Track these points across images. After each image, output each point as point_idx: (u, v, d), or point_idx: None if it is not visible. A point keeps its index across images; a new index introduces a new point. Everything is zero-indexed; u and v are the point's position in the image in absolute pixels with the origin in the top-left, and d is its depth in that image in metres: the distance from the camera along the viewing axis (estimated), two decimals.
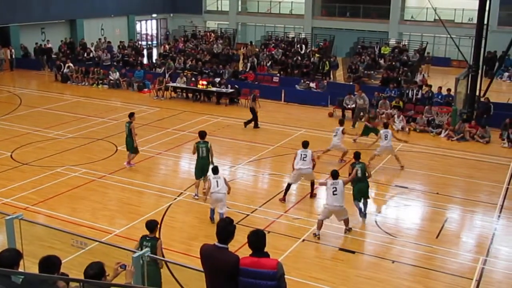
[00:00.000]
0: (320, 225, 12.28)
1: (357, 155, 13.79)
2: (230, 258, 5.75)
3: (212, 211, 12.88)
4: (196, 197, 14.38)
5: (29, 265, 7.16)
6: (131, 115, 16.48)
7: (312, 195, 14.69)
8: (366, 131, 19.36)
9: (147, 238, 8.87)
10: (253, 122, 21.64)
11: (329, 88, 26.98)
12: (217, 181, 12.60)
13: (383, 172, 16.84)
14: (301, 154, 14.27)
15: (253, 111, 21.69)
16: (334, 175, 12.35)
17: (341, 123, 17.85)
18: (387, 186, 15.86)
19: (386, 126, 17.52)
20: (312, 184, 14.64)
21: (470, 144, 20.25)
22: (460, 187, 15.90)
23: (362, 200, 13.35)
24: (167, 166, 17.26)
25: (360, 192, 13.30)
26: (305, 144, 14.52)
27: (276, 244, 11.68)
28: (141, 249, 8.32)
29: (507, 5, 35.53)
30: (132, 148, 16.36)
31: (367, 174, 13.50)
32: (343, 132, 17.31)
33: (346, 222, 12.49)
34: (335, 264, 11.23)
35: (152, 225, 8.95)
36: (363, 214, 13.33)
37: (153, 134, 19.95)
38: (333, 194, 12.07)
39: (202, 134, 14.56)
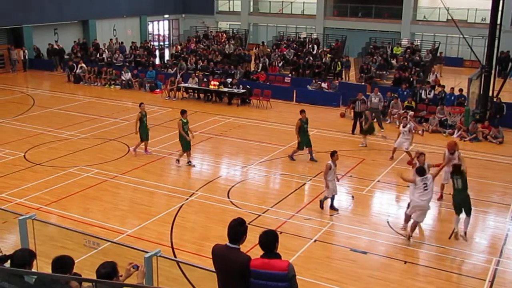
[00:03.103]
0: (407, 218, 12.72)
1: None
2: (242, 259, 5.74)
3: None
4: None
5: (42, 265, 7.21)
6: None
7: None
8: None
9: (456, 174, 11.52)
10: (359, 126, 20.53)
11: (340, 89, 26.93)
12: None
13: (395, 173, 16.72)
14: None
15: (360, 115, 20.87)
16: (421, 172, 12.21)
17: None
18: (399, 186, 15.74)
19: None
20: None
21: (483, 144, 20.11)
22: (472, 188, 15.63)
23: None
24: (178, 166, 17.29)
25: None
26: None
27: (287, 245, 11.67)
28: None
29: None
30: None
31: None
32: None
33: (413, 227, 12.28)
34: (347, 264, 11.19)
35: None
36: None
37: (165, 134, 20.02)
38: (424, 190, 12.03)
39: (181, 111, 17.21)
